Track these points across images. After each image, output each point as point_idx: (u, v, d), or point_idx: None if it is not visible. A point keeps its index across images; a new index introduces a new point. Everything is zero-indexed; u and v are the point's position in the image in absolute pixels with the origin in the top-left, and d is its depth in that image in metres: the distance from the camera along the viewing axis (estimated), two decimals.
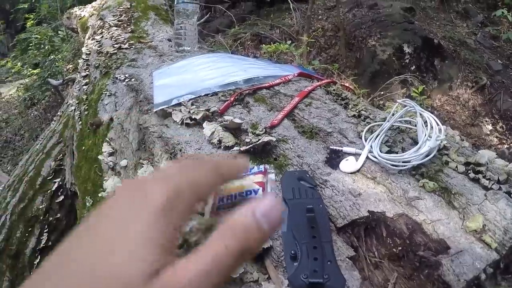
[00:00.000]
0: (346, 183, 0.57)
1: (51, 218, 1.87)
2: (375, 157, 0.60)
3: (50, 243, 1.80)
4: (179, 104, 0.90)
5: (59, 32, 5.29)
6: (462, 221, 0.53)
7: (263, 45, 2.94)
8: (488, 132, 4.69)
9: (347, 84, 0.88)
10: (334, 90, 0.85)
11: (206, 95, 0.91)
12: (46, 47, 5.10)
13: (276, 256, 0.48)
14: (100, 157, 1.16)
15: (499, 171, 0.61)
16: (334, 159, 0.62)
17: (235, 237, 0.25)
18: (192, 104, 0.89)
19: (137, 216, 0.26)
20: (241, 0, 6.19)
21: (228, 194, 0.56)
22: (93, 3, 2.66)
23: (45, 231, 1.85)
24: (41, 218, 1.87)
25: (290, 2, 4.33)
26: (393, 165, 0.58)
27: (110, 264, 0.23)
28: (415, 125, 0.67)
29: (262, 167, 0.61)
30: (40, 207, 1.89)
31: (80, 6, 2.94)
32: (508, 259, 0.50)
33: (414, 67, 4.53)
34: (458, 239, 0.50)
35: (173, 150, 0.80)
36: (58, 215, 1.88)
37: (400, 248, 0.48)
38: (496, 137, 4.69)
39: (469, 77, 5.24)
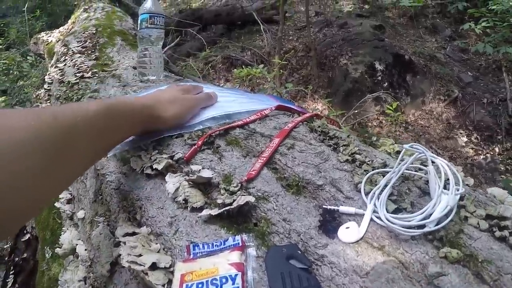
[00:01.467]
0: (348, 258, 0.44)
1: (17, 259, 1.71)
2: (382, 220, 0.48)
3: (17, 285, 1.64)
4: (139, 148, 0.77)
5: (28, 57, 5.13)
6: None
7: (235, 69, 2.83)
8: (464, 144, 4.70)
9: (330, 117, 0.77)
10: (319, 126, 0.73)
11: (170, 136, 0.78)
12: (15, 73, 4.92)
13: None
14: (57, 204, 1.04)
15: None
16: (329, 222, 0.49)
17: None
18: (154, 148, 0.76)
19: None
20: (212, 23, 6.14)
21: (198, 281, 0.43)
22: (61, 28, 2.54)
23: (11, 272, 1.70)
24: (6, 259, 1.74)
25: (260, 23, 4.28)
26: (405, 230, 0.46)
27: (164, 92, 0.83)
28: (425, 173, 0.55)
29: (238, 238, 0.48)
30: (5, 246, 1.75)
31: (48, 31, 2.81)
32: None
33: (386, 83, 4.51)
34: None
35: (132, 208, 0.66)
36: (25, 255, 1.73)
37: None
38: (472, 148, 4.71)
39: (441, 90, 5.29)
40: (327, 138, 0.68)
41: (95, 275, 0.64)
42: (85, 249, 0.79)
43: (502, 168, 4.41)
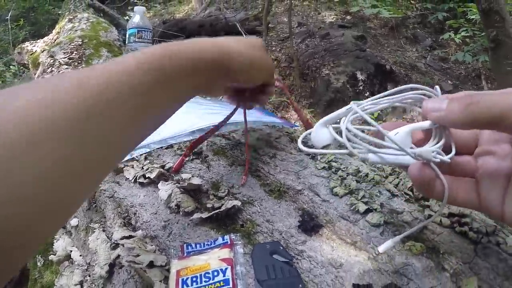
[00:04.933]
0: (324, 252, 0.51)
1: None
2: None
3: None
4: (132, 159, 0.83)
5: (11, 66, 5.11)
6: (455, 286, 0.48)
7: None
8: None
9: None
10: (298, 137, 0.80)
11: (161, 147, 0.84)
12: None
13: None
14: None
15: (486, 221, 0.56)
16: (307, 222, 0.56)
17: None
18: (145, 159, 0.82)
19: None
20: (195, 34, 6.21)
21: (192, 275, 0.49)
22: (45, 38, 2.56)
23: None
24: None
25: (243, 34, 4.35)
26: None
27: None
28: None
29: (227, 238, 0.54)
30: None
31: (32, 41, 2.83)
32: None
33: (368, 93, 4.61)
34: None
35: (126, 214, 0.72)
36: None
37: None
38: None
39: None
40: (306, 147, 0.75)
41: (93, 277, 0.69)
42: (80, 255, 0.84)
43: None
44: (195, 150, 0.78)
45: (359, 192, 0.60)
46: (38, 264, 1.24)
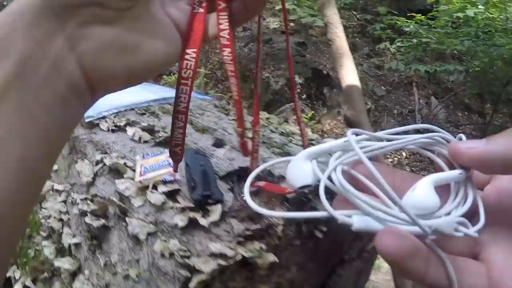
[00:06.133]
0: (224, 156, 0.94)
1: None
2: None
3: None
4: (104, 118, 1.22)
5: None
6: None
7: (164, 76, 3.31)
8: None
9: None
10: (220, 104, 1.24)
11: (126, 110, 1.24)
12: None
13: (183, 194, 0.83)
14: None
15: None
16: (218, 143, 0.99)
17: None
18: (114, 117, 1.22)
19: None
20: None
21: (150, 164, 0.90)
22: None
23: None
24: None
25: None
26: None
27: None
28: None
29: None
30: None
31: None
32: None
33: (305, 95, 5.15)
34: None
35: (103, 148, 1.12)
36: None
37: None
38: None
39: None
40: (224, 110, 1.19)
41: (78, 188, 1.08)
42: (62, 183, 1.22)
43: (407, 169, 5.14)
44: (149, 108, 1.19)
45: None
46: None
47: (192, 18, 0.37)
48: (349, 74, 1.32)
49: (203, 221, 0.72)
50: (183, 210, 0.76)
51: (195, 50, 0.37)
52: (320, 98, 5.44)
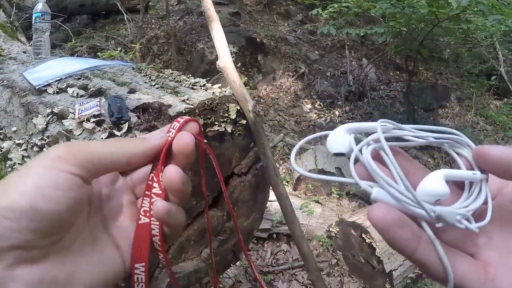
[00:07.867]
0: (138, 98, 1.45)
1: None
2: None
3: None
4: (49, 85, 1.70)
5: None
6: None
7: (99, 53, 3.71)
8: (308, 110, 5.97)
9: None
10: (137, 66, 1.73)
11: (66, 77, 1.72)
12: None
13: (106, 122, 1.33)
14: None
15: None
16: (131, 91, 1.49)
17: None
18: (57, 82, 1.70)
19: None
20: (76, 14, 6.69)
21: (83, 108, 1.40)
22: None
23: None
24: None
25: (124, 13, 5.09)
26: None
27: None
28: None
29: (98, 98, 1.47)
30: None
31: None
32: None
33: (240, 63, 5.64)
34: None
35: (52, 106, 1.60)
36: None
37: (154, 116, 1.37)
38: (315, 113, 5.95)
39: (290, 67, 6.51)
40: (140, 71, 1.69)
41: (36, 134, 1.56)
42: (21, 139, 1.69)
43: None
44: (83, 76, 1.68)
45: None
46: None
47: (138, 228, 0.40)
48: (217, 34, 1.92)
49: (117, 133, 1.23)
50: (105, 129, 1.26)
51: (143, 264, 0.39)
52: (255, 65, 5.95)
